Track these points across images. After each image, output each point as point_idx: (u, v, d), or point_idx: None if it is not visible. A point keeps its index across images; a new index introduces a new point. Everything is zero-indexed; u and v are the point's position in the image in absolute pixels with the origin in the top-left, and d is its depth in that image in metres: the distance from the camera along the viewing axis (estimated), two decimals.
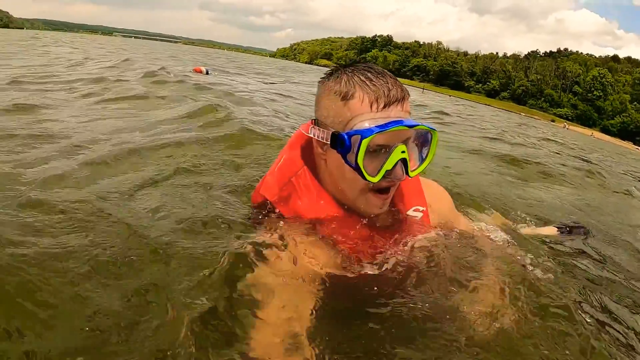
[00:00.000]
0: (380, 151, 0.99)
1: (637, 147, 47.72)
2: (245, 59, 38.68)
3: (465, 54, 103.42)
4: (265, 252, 0.98)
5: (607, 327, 1.14)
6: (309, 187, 1.10)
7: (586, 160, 6.02)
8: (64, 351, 0.78)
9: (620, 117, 75.94)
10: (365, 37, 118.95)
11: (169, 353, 0.77)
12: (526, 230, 1.85)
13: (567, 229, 1.87)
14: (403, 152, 0.99)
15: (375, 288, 0.98)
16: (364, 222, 1.09)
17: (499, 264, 1.13)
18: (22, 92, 3.91)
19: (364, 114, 0.97)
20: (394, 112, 0.98)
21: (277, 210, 1.13)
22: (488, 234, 1.41)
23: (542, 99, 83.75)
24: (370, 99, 0.97)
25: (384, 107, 0.97)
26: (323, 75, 1.09)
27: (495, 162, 4.00)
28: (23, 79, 4.75)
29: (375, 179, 0.99)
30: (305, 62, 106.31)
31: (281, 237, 1.02)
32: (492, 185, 2.95)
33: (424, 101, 15.07)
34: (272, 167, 1.19)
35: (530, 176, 3.66)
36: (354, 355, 0.84)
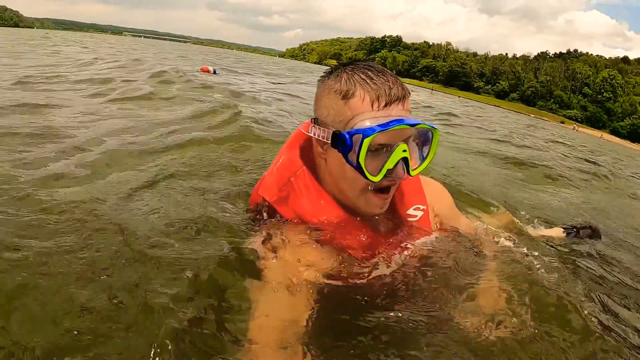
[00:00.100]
0: (381, 150, 0.97)
1: None
2: (254, 58, 38.76)
3: (475, 54, 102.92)
4: (262, 254, 0.97)
5: (613, 334, 1.11)
6: (308, 187, 1.08)
7: (594, 163, 5.94)
8: (50, 350, 0.77)
9: (630, 119, 75.09)
10: (375, 37, 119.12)
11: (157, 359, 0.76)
12: (532, 231, 1.81)
13: (574, 230, 1.84)
14: (404, 151, 0.97)
15: (374, 291, 0.96)
16: (364, 222, 1.07)
17: (500, 266, 1.12)
18: (28, 92, 3.94)
19: (365, 113, 0.95)
20: (395, 111, 0.96)
21: (276, 211, 1.11)
22: (489, 234, 1.39)
23: (552, 100, 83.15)
24: (371, 97, 0.95)
25: (385, 105, 0.95)
26: (322, 74, 1.07)
27: (502, 164, 3.96)
28: (29, 80, 4.78)
29: (377, 179, 0.97)
30: (315, 63, 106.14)
31: (279, 239, 1.01)
32: (498, 187, 2.93)
33: (432, 102, 14.96)
34: (270, 167, 1.18)
35: (537, 179, 3.63)
36: None
